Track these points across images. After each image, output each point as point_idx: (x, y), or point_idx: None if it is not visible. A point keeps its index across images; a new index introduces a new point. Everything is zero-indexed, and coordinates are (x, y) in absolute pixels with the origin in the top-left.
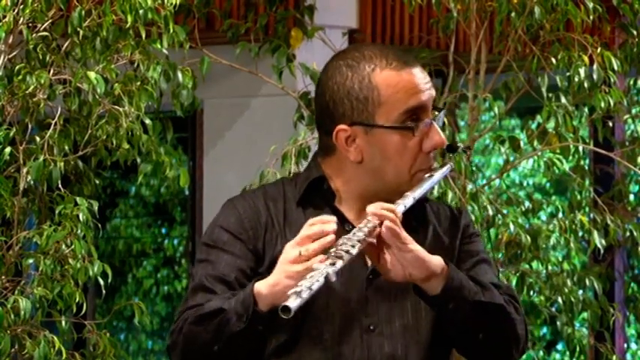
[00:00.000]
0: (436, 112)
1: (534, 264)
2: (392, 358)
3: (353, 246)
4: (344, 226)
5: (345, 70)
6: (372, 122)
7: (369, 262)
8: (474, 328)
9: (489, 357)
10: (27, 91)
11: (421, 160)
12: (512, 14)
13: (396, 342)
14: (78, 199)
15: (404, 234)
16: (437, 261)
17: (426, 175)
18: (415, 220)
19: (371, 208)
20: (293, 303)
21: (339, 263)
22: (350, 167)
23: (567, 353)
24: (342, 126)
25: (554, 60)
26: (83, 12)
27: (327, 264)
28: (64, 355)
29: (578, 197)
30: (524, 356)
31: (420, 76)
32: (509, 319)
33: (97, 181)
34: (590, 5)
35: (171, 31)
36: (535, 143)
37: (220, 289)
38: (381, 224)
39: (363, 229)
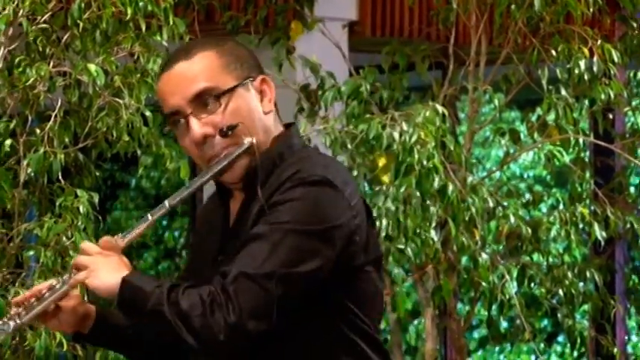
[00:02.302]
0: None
1: (535, 256)
2: None
3: (42, 299)
4: (223, 207)
5: None
6: None
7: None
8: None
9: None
10: (27, 83)
11: (201, 152)
12: (512, 6)
13: None
14: (78, 191)
15: (79, 278)
16: (111, 281)
17: (212, 164)
18: (251, 195)
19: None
20: None
21: (15, 321)
22: None
23: (568, 345)
24: None
25: (554, 52)
26: (83, 4)
27: (6, 318)
28: (65, 347)
29: (579, 189)
30: (524, 347)
31: (170, 80)
32: (166, 320)
33: (98, 173)
34: None
35: (171, 23)
36: (535, 135)
37: None
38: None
39: (60, 283)
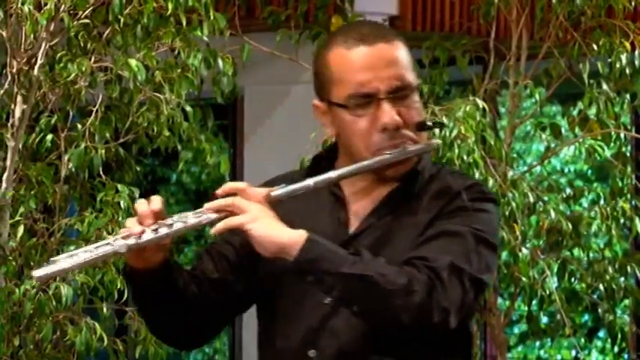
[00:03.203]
0: (401, 91)
1: (575, 251)
2: (351, 328)
3: (170, 225)
4: (337, 202)
5: (321, 48)
6: (328, 99)
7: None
8: (345, 300)
9: (381, 326)
10: (68, 79)
11: (378, 139)
12: (553, 0)
13: (352, 318)
14: (119, 186)
15: (236, 221)
16: (288, 235)
17: (386, 153)
18: (404, 193)
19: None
20: (37, 272)
21: (132, 240)
22: (339, 144)
23: (609, 340)
24: (316, 101)
25: (595, 46)
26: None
27: (120, 237)
28: (106, 342)
29: (620, 184)
30: (564, 343)
31: (369, 57)
32: (380, 290)
33: (138, 168)
34: None
35: (212, 18)
36: (576, 130)
37: None
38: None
39: (197, 216)
